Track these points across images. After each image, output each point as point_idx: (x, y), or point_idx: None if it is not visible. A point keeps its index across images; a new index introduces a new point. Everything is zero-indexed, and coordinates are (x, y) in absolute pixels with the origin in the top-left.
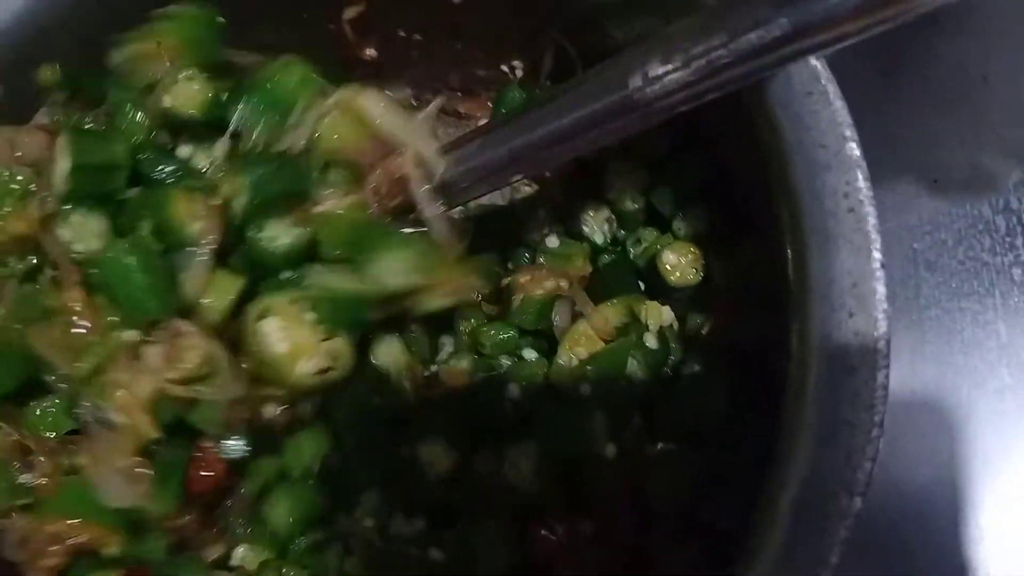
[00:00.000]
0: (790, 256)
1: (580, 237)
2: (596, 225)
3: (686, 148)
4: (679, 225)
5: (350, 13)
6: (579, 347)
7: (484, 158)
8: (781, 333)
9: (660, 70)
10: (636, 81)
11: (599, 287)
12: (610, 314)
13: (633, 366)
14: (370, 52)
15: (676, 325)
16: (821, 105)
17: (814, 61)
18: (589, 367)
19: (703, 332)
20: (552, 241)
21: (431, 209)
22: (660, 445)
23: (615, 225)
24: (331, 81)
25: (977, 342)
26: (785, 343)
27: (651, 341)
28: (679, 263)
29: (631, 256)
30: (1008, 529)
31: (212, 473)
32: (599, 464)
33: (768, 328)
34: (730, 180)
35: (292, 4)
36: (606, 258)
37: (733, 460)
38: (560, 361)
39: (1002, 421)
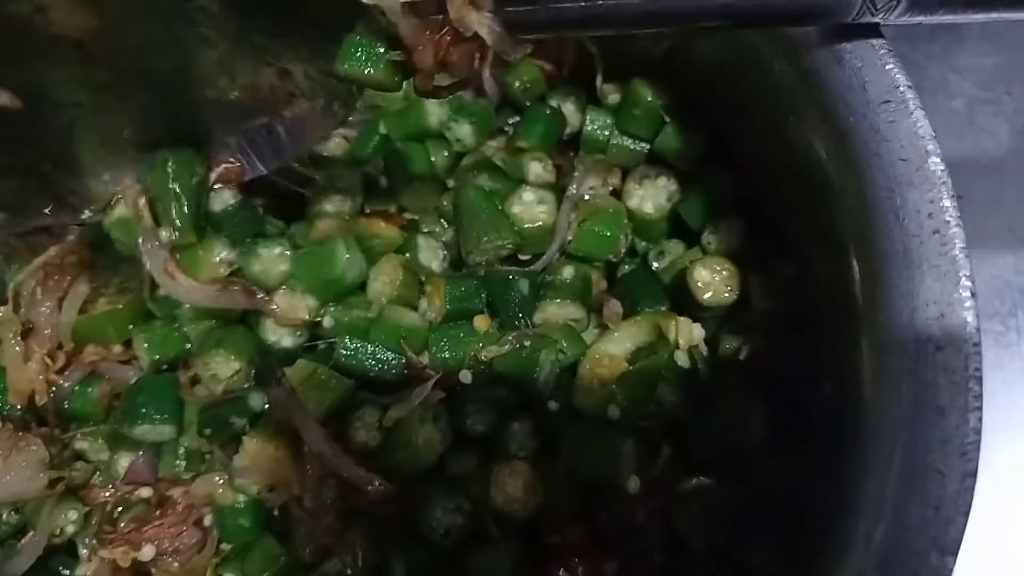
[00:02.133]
0: (859, 278)
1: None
2: None
3: (720, 155)
4: (709, 239)
5: None
6: (601, 368)
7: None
8: (828, 361)
9: None
10: None
11: (621, 300)
12: (634, 332)
13: (664, 389)
14: None
15: (705, 348)
16: (900, 115)
17: (892, 66)
18: (616, 387)
19: (739, 357)
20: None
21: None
22: (694, 478)
23: (630, 235)
24: None
25: (1000, 364)
26: (838, 372)
27: (682, 359)
28: (712, 280)
29: (653, 269)
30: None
31: None
32: (623, 498)
33: (810, 354)
34: (769, 193)
35: None
36: (625, 268)
37: (770, 493)
38: (582, 384)
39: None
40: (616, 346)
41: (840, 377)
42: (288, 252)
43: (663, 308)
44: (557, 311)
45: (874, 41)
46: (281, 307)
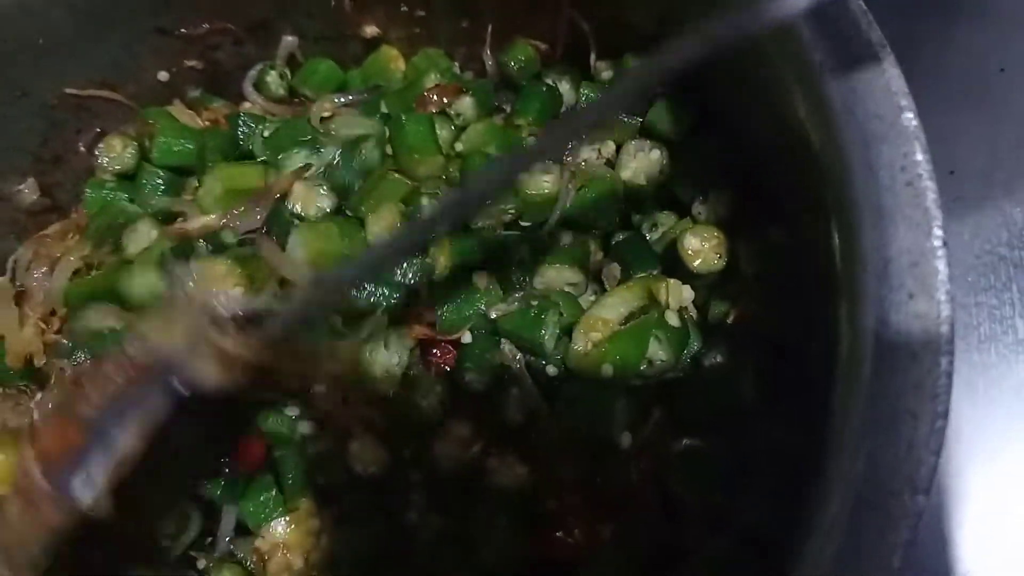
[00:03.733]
0: (836, 235)
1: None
2: None
3: (708, 127)
4: (699, 209)
5: None
6: (595, 332)
7: None
8: (814, 320)
9: None
10: None
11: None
12: (627, 297)
13: (654, 347)
14: (371, 29)
15: (695, 312)
16: (875, 73)
17: (868, 27)
18: (610, 347)
19: (728, 321)
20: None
21: None
22: (684, 440)
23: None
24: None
25: (994, 337)
26: (825, 329)
27: (673, 319)
28: (701, 248)
29: (647, 240)
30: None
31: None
32: (617, 459)
33: (798, 315)
34: (756, 160)
35: None
36: (619, 237)
37: (762, 452)
38: (576, 347)
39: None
40: (610, 311)
41: (825, 335)
42: None
43: (655, 273)
44: (556, 275)
45: (851, 3)
46: None
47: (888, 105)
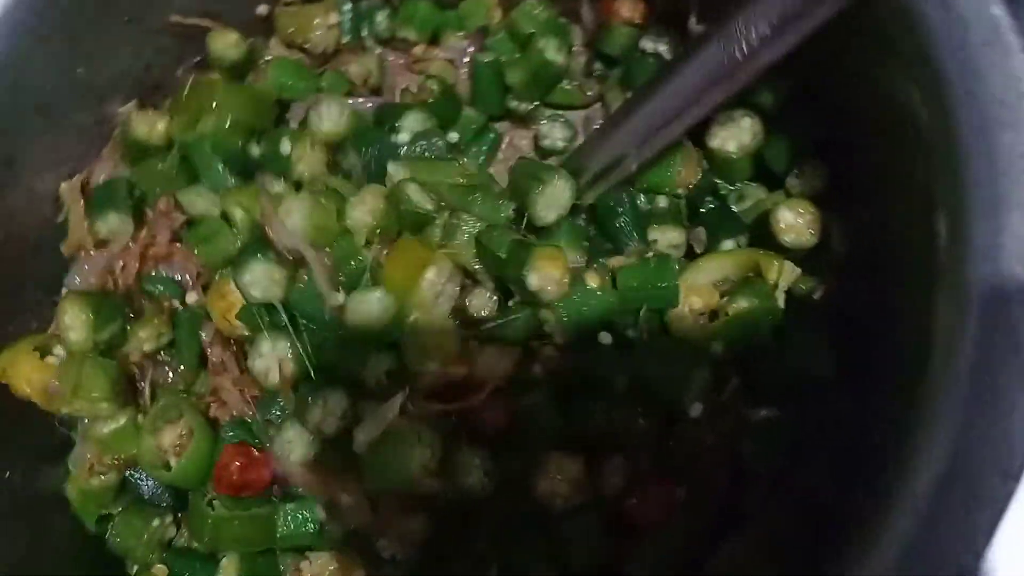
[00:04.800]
0: (942, 220)
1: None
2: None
3: (806, 99)
4: (793, 183)
5: None
6: (695, 296)
7: (606, 147)
8: (908, 304)
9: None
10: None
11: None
12: (726, 264)
13: (767, 330)
14: None
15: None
16: (1000, 56)
17: (996, 10)
18: (724, 327)
19: (813, 296)
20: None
21: None
22: (761, 409)
23: (701, 173)
24: None
25: None
26: (920, 313)
27: (782, 301)
28: (795, 222)
29: (733, 211)
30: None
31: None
32: (689, 426)
33: (890, 297)
34: (857, 137)
35: None
36: (709, 205)
37: (832, 423)
38: (679, 313)
39: None
40: (705, 275)
41: (915, 317)
42: None
43: (741, 240)
44: (660, 235)
45: None
46: None
47: (1012, 90)
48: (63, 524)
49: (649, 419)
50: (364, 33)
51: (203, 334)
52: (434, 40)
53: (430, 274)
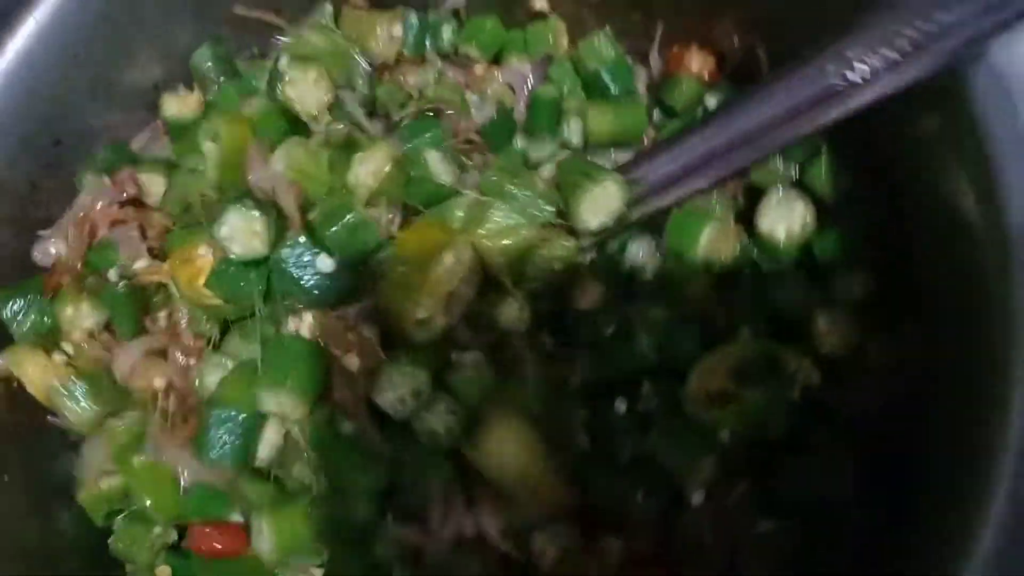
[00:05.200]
0: (999, 352)
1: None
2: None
3: (864, 195)
4: (838, 284)
5: None
6: (711, 378)
7: (679, 162)
8: (948, 431)
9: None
10: (837, 69)
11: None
12: (746, 353)
13: (774, 420)
14: (540, 3)
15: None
16: None
17: None
18: (731, 412)
19: (843, 408)
20: None
21: None
22: (767, 519)
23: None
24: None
25: None
26: (959, 444)
27: (795, 395)
28: (833, 329)
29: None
30: None
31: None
32: (689, 518)
33: (929, 422)
34: (912, 246)
35: None
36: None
37: (839, 542)
38: (693, 391)
39: None
40: (724, 360)
41: (955, 445)
42: None
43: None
44: None
45: None
46: None
47: None
48: (71, 518)
49: (650, 498)
50: (427, 47)
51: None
52: (496, 60)
53: (447, 259)
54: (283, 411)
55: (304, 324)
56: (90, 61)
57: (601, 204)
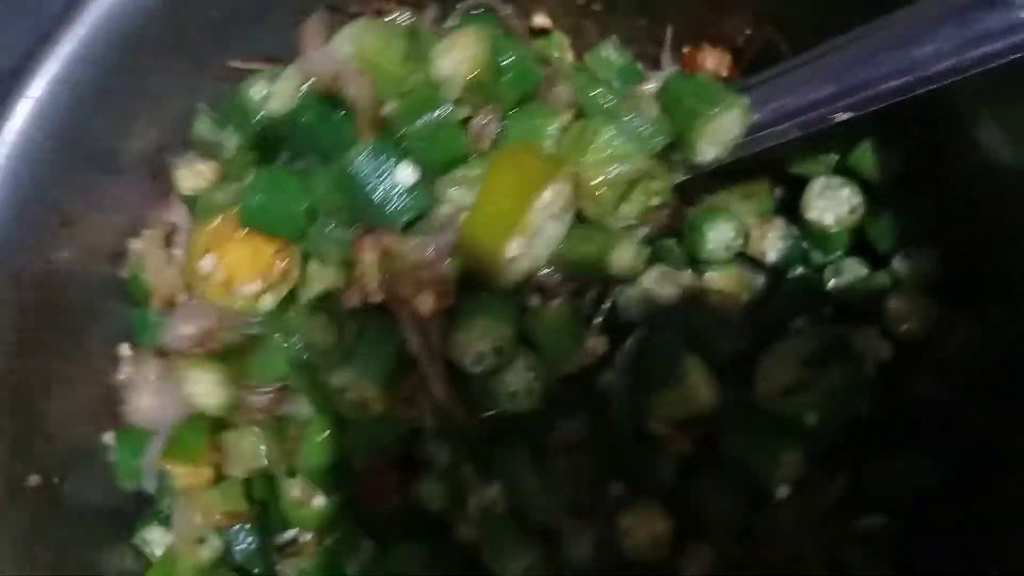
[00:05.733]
0: None
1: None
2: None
3: (927, 176)
4: (900, 264)
5: None
6: (782, 371)
7: (807, 92)
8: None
9: None
10: None
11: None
12: (814, 342)
13: (854, 397)
14: (541, 19)
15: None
16: None
17: None
18: (808, 397)
19: (928, 397)
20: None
21: None
22: (864, 516)
23: (794, 244)
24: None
25: None
26: None
27: (872, 368)
28: (910, 312)
29: (829, 287)
30: None
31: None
32: (782, 523)
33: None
34: (978, 228)
35: None
36: (797, 272)
37: (948, 536)
38: (765, 386)
39: None
40: (796, 353)
41: None
42: None
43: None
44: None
45: None
46: None
47: None
48: None
49: (734, 499)
50: None
51: None
52: None
53: (549, 192)
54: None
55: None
56: (89, 135)
57: (720, 134)
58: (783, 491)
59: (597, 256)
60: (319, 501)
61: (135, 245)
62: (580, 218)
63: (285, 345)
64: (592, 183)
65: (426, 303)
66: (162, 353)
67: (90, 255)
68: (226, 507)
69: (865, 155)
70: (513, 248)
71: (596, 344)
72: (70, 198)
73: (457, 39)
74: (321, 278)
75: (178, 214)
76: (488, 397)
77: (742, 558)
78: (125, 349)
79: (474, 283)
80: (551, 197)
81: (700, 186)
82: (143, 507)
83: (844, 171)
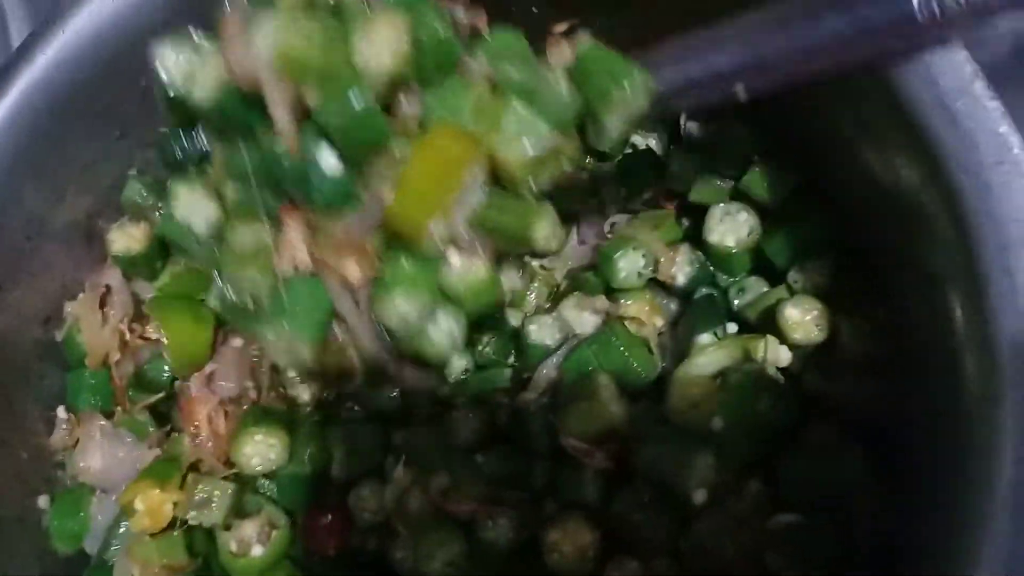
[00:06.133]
0: (962, 331)
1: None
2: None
3: (810, 193)
4: (796, 278)
5: None
6: (693, 389)
7: (710, 61)
8: (926, 403)
9: None
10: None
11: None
12: (720, 356)
13: (761, 398)
14: None
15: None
16: (1014, 176)
17: (1003, 128)
18: (717, 398)
19: (828, 395)
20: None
21: None
22: (783, 516)
23: (700, 268)
24: None
25: None
26: (944, 418)
27: (773, 371)
28: (802, 320)
29: (734, 306)
30: None
31: None
32: (705, 531)
33: (911, 400)
34: (864, 235)
35: None
36: (701, 292)
37: (868, 530)
38: (675, 403)
39: None
40: (699, 369)
41: (938, 418)
42: None
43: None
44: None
45: (988, 103)
46: None
47: None
48: None
49: (656, 513)
50: None
51: None
52: None
53: (470, 173)
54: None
55: None
56: (21, 203)
57: (627, 109)
58: (700, 496)
59: (516, 227)
60: (257, 551)
61: (70, 308)
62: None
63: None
64: (507, 158)
65: (353, 272)
66: (107, 414)
67: (24, 320)
68: (167, 560)
69: (755, 180)
70: (440, 226)
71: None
72: (3, 265)
73: (379, 25)
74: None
75: (112, 276)
76: (414, 352)
77: (668, 569)
78: (61, 412)
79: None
80: (470, 178)
81: None
82: (75, 572)
83: (739, 197)
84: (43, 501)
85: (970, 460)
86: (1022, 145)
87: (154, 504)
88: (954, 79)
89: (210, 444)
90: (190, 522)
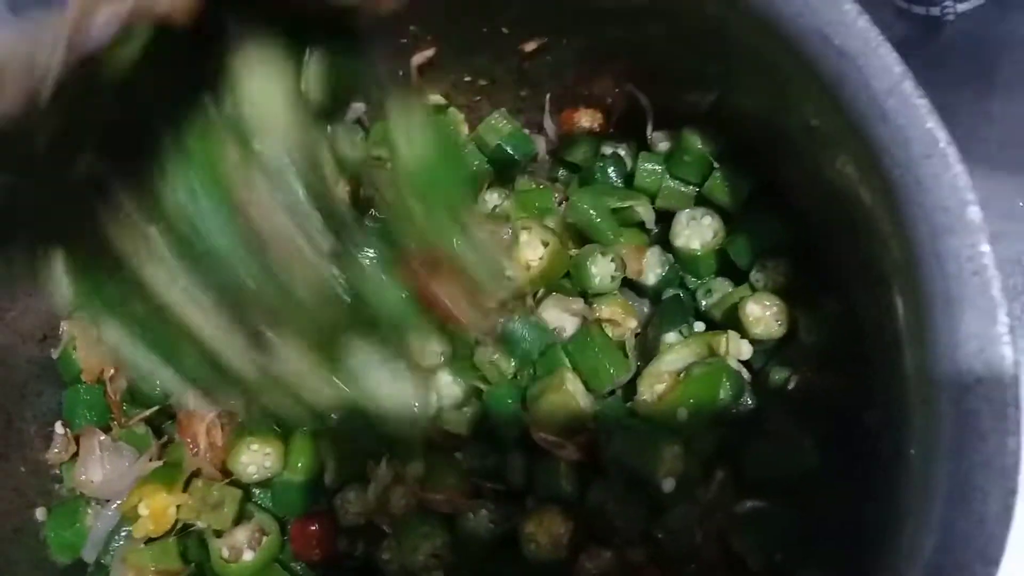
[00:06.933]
0: (903, 318)
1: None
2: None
3: (769, 196)
4: (757, 277)
5: (419, 59)
6: (659, 384)
7: None
8: (878, 395)
9: None
10: None
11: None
12: (686, 353)
13: (725, 388)
14: (436, 98)
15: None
16: (941, 168)
17: (930, 123)
18: (684, 390)
19: (788, 387)
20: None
21: None
22: (748, 501)
23: (670, 269)
24: None
25: None
26: (889, 405)
27: (735, 364)
28: (762, 315)
29: (703, 307)
30: None
31: None
32: (679, 516)
33: (860, 388)
34: (816, 234)
35: None
36: (669, 293)
37: (829, 518)
38: (643, 397)
39: None
40: (667, 365)
41: (887, 407)
42: None
43: (685, 330)
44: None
45: (917, 101)
46: None
47: (955, 199)
48: None
49: (631, 501)
50: None
51: None
52: None
53: None
54: None
55: None
56: None
57: None
58: (669, 485)
59: None
60: (248, 557)
61: (66, 326)
62: None
63: None
64: None
65: None
66: (103, 428)
67: (22, 338)
68: (161, 565)
69: (716, 185)
70: None
71: None
72: (1, 286)
73: None
74: None
75: None
76: None
77: (641, 557)
78: (59, 427)
79: None
80: None
81: None
82: None
83: (703, 202)
84: (40, 513)
85: (911, 448)
86: (948, 139)
87: (159, 507)
88: (885, 80)
89: (208, 455)
90: (199, 525)
